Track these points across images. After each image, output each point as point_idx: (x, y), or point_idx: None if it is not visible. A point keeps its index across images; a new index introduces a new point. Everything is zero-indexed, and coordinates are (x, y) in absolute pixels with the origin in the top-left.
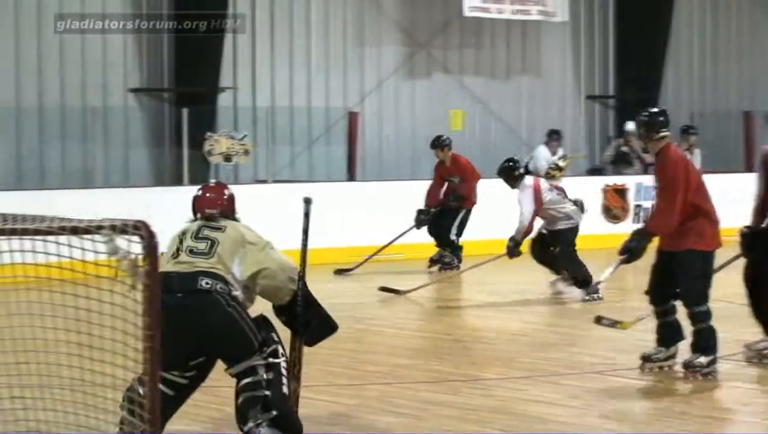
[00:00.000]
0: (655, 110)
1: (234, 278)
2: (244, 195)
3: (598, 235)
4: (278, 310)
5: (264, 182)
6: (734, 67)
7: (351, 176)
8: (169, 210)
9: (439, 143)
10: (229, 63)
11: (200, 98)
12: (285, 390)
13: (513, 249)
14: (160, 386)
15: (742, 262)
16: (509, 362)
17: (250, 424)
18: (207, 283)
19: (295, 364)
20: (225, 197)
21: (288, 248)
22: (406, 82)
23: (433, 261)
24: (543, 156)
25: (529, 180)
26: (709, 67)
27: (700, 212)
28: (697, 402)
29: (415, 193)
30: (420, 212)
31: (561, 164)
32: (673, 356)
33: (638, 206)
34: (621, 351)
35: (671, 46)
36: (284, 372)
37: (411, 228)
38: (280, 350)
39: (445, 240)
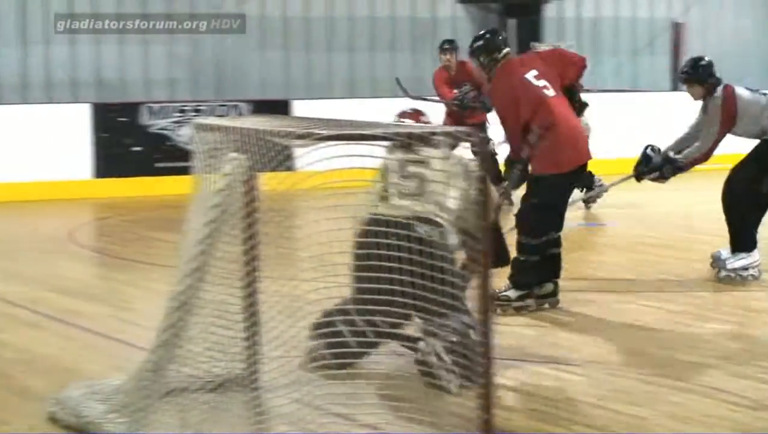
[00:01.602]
0: (488, 30)
1: (450, 213)
2: None
3: None
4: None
5: (589, 91)
6: None
7: (674, 87)
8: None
9: (451, 46)
10: None
11: (526, 9)
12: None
13: None
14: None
15: None
16: None
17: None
18: (424, 231)
19: None
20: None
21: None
22: None
23: None
24: None
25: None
26: None
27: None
28: None
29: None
30: None
31: None
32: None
33: None
34: None
35: None
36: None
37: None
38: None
39: None
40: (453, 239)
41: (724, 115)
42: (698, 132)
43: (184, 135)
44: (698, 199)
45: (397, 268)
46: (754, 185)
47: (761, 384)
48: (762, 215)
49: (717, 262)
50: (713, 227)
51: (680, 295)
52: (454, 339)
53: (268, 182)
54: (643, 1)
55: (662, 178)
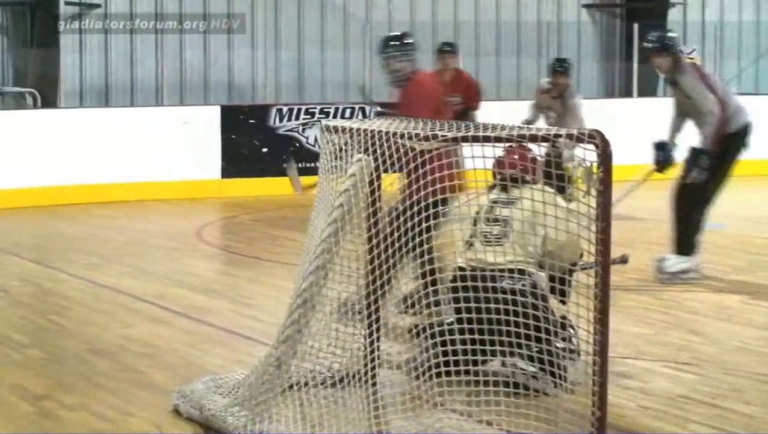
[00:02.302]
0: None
1: (534, 256)
2: None
3: None
4: None
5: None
6: None
7: None
8: (618, 121)
9: (452, 50)
10: None
11: (650, 13)
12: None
13: None
14: None
15: None
16: None
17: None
18: (506, 283)
19: None
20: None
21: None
22: None
23: None
24: None
25: None
26: None
27: None
28: None
29: None
30: None
31: None
32: None
33: None
34: None
35: None
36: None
37: None
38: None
39: None
40: (539, 280)
41: (700, 76)
42: (683, 112)
43: (311, 136)
44: None
45: (483, 318)
46: (703, 185)
47: None
48: (704, 217)
49: (658, 264)
50: None
51: None
52: (536, 348)
53: (393, 182)
54: (767, 4)
55: (702, 171)
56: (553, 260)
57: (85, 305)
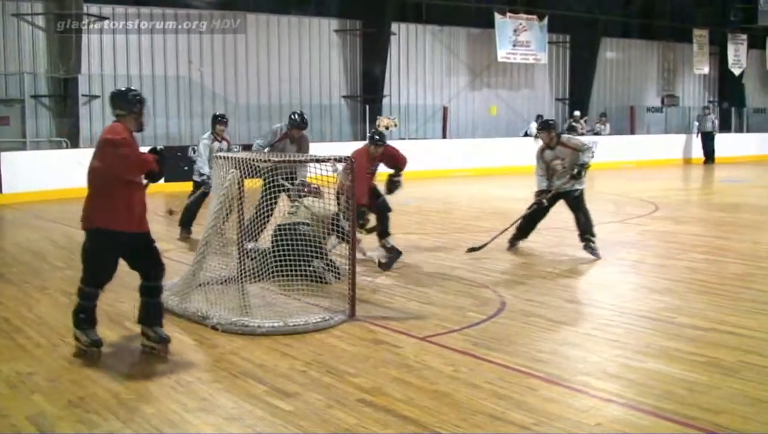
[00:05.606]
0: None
1: (318, 220)
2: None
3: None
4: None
5: (404, 139)
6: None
7: (444, 136)
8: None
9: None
10: (388, 83)
11: (374, 100)
12: None
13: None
14: None
15: None
16: None
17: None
18: (304, 228)
19: None
20: None
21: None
22: (470, 92)
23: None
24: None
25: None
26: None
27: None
28: None
29: (477, 145)
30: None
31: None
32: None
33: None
34: None
35: (597, 70)
36: None
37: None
38: None
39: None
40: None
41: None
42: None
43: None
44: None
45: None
46: None
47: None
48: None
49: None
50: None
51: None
52: (327, 263)
53: (250, 183)
54: (429, 96)
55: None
56: (320, 220)
57: None
